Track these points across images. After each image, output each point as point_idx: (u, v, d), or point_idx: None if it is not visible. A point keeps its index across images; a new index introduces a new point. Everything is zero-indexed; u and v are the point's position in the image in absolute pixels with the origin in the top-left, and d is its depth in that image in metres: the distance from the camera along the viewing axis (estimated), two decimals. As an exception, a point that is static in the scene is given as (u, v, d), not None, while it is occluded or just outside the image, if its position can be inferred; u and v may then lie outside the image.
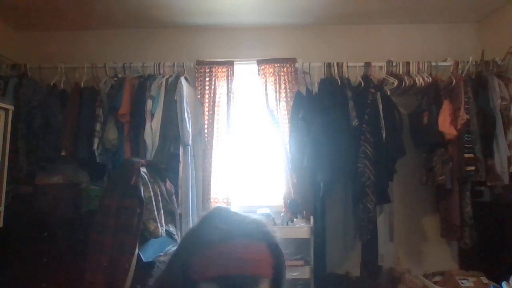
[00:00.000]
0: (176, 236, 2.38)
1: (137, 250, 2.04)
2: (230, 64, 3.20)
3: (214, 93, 3.19)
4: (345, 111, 2.83)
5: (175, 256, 0.81)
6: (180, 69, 3.09)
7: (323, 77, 3.00)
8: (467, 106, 2.75)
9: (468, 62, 2.96)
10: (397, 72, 2.99)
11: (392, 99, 2.93)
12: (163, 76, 2.99)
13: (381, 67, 3.02)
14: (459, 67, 2.98)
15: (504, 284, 2.23)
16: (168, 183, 2.52)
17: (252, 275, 0.71)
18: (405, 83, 2.93)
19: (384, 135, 2.77)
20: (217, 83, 3.20)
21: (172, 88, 2.90)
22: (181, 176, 2.81)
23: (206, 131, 3.16)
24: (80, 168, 2.93)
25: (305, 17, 3.25)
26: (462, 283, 2.54)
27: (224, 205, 2.99)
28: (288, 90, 3.12)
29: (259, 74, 3.18)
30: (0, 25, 3.30)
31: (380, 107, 2.81)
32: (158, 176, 2.42)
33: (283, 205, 3.10)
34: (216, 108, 3.17)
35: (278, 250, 0.78)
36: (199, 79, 3.22)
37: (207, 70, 3.21)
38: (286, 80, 3.13)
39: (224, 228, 0.75)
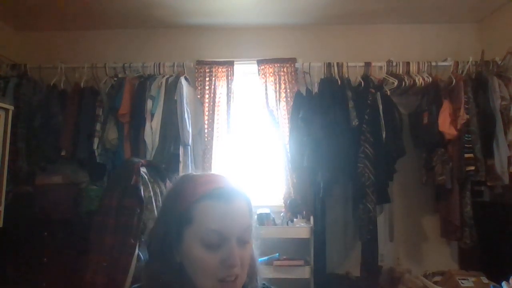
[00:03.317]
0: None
1: (137, 250, 2.04)
2: (230, 64, 3.20)
3: (214, 93, 3.18)
4: (345, 111, 2.83)
5: (164, 203, 0.89)
6: (180, 69, 3.09)
7: (323, 77, 3.00)
8: (467, 106, 2.75)
9: (468, 62, 2.96)
10: (397, 72, 2.99)
11: (392, 99, 2.93)
12: (163, 76, 2.98)
13: (381, 67, 3.02)
14: (459, 67, 2.98)
15: (504, 284, 2.23)
16: (168, 183, 2.51)
17: (237, 188, 0.83)
18: (405, 83, 2.93)
19: (384, 135, 2.77)
20: (217, 83, 3.20)
21: (172, 88, 2.90)
22: (181, 176, 2.81)
23: (206, 131, 3.15)
24: (80, 168, 2.94)
25: (305, 17, 3.25)
26: (462, 283, 2.54)
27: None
28: (288, 90, 3.11)
29: (259, 74, 3.18)
30: (0, 25, 3.30)
31: (380, 107, 2.81)
32: (158, 176, 2.42)
33: (283, 205, 3.09)
34: (216, 108, 3.17)
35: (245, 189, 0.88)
36: (199, 79, 3.22)
37: (207, 70, 3.21)
38: (286, 80, 3.13)
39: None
